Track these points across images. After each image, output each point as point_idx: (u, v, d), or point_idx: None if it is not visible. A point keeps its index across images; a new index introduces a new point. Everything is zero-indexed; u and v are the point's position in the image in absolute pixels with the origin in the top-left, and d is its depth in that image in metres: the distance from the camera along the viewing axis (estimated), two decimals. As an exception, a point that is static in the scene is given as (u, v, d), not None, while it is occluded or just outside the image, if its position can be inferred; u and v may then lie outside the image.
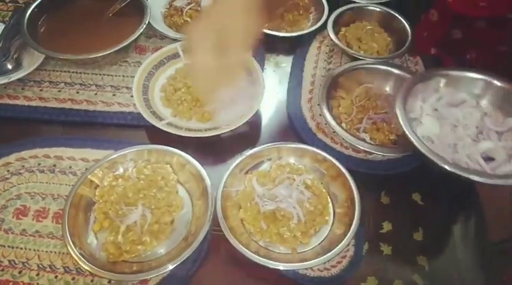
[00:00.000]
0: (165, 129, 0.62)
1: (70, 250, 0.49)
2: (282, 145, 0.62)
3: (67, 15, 0.78)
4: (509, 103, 0.61)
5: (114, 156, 0.58)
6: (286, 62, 0.81)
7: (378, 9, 0.82)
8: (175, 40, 0.76)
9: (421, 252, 0.58)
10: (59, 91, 0.71)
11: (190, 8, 0.79)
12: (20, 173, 0.60)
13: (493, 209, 0.64)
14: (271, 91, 0.75)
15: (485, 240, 0.61)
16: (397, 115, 0.57)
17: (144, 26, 0.72)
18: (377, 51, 0.78)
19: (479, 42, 0.70)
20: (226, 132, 0.62)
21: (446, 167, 0.52)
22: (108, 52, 0.67)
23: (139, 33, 0.70)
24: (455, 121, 0.60)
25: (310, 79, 0.77)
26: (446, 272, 0.56)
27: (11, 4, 0.86)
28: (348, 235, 0.53)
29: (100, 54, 0.66)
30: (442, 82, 0.63)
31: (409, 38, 0.77)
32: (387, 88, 0.72)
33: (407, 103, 0.60)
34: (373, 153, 0.63)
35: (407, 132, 0.56)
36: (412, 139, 0.55)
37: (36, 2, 0.74)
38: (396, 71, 0.71)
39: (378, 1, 0.86)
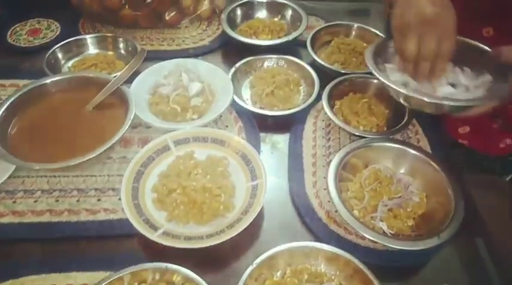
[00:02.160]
0: (160, 241, 0.55)
1: None
2: (293, 247, 0.55)
3: (42, 112, 0.71)
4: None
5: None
6: (282, 141, 0.76)
7: (374, 81, 0.79)
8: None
9: None
10: (35, 201, 0.63)
11: (177, 94, 0.74)
12: (-9, 317, 0.51)
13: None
14: (271, 177, 0.69)
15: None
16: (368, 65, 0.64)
17: (130, 122, 0.65)
18: (377, 124, 0.74)
19: None
20: (230, 238, 0.56)
21: (398, 88, 0.59)
22: (90, 157, 0.60)
23: (124, 130, 0.64)
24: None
25: (311, 160, 0.72)
26: None
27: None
28: None
29: (80, 161, 0.59)
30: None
31: (408, 109, 0.75)
32: (396, 167, 0.67)
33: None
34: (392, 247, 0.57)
35: (369, 66, 0.64)
36: (373, 69, 0.63)
37: (7, 104, 0.67)
38: (398, 146, 0.68)
39: (366, 71, 0.84)
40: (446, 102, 0.58)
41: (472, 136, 0.86)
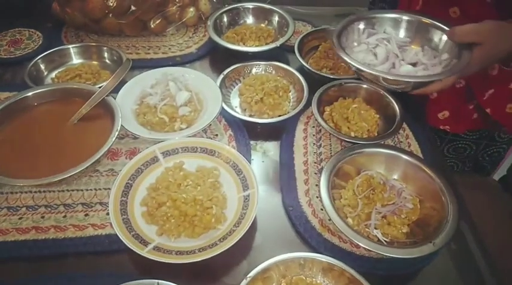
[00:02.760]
0: (151, 257, 0.53)
1: None
2: (287, 258, 0.54)
3: (24, 126, 0.69)
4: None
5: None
6: (273, 149, 0.75)
7: (363, 86, 0.79)
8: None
9: None
10: (20, 218, 0.61)
11: (164, 104, 0.73)
12: None
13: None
14: (263, 186, 0.68)
15: None
16: (334, 46, 0.67)
17: (116, 134, 0.64)
18: (367, 129, 0.74)
19: None
20: (223, 250, 0.54)
21: (357, 65, 0.63)
22: (76, 171, 0.58)
23: (111, 143, 0.62)
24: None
25: (302, 168, 0.71)
26: None
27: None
28: None
29: (66, 176, 0.57)
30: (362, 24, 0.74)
31: (398, 113, 0.74)
32: (389, 173, 0.67)
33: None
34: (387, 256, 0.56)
35: (334, 44, 0.67)
36: (337, 50, 0.66)
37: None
38: (390, 152, 0.67)
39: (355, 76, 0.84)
40: (393, 77, 0.63)
41: (452, 121, 0.87)
